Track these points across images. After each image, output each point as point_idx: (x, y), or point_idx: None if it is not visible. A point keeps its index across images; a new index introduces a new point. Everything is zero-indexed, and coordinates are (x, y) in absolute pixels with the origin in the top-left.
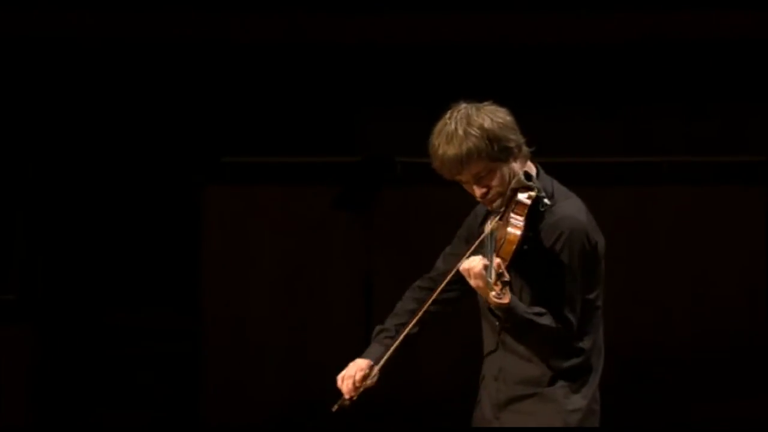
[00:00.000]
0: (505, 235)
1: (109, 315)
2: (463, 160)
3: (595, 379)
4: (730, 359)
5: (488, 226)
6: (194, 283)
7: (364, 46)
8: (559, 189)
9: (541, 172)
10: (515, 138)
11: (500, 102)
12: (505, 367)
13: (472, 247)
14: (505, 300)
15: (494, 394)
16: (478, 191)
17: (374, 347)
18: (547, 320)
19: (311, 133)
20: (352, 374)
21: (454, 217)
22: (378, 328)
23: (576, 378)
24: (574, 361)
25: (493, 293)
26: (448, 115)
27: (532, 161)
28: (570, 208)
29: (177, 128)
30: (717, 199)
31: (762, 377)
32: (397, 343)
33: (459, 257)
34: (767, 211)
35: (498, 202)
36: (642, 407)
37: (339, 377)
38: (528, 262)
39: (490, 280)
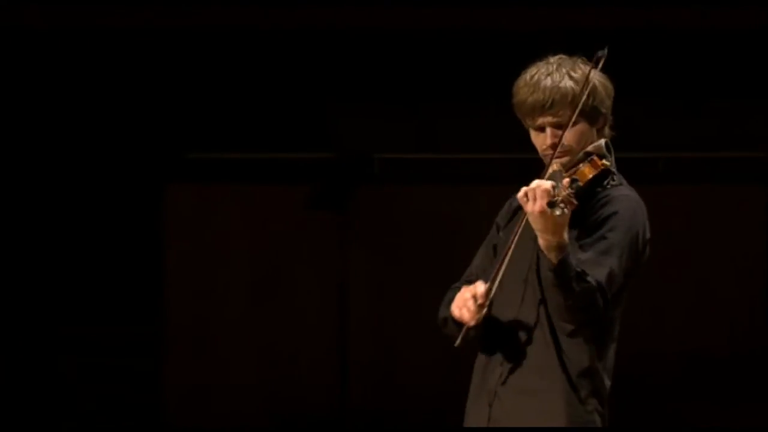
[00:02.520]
0: (578, 169)
1: (63, 326)
2: (555, 100)
3: (605, 386)
4: (730, 363)
5: (551, 168)
6: (156, 289)
7: (338, 34)
8: (622, 179)
9: (613, 153)
10: (609, 106)
11: (485, 93)
12: (517, 355)
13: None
14: (575, 201)
15: (495, 379)
16: (550, 139)
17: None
18: (592, 281)
19: (282, 128)
20: (469, 296)
21: (435, 218)
22: (446, 300)
23: (592, 380)
24: (593, 363)
25: (563, 190)
26: (548, 59)
27: (608, 143)
28: (635, 195)
29: (137, 122)
30: (715, 198)
31: (763, 381)
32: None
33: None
34: None
35: (565, 160)
36: (638, 415)
37: (454, 307)
38: (576, 228)
39: (559, 185)
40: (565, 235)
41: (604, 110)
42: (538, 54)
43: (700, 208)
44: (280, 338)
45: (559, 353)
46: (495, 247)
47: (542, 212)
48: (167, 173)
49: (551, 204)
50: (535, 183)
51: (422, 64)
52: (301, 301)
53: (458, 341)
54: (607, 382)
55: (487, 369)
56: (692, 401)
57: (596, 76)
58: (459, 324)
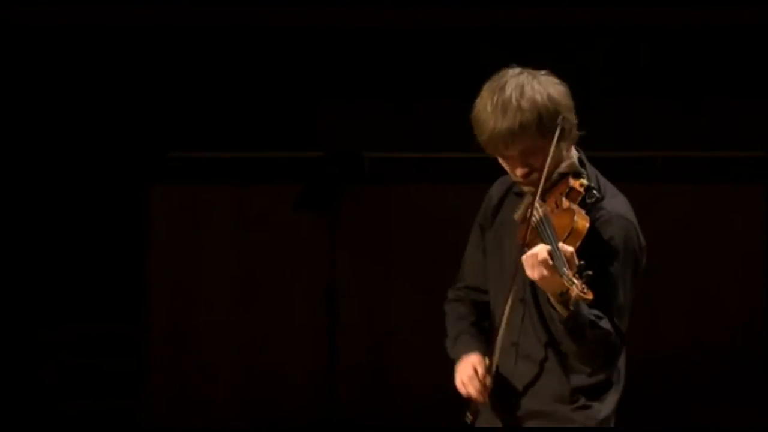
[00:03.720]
0: (572, 227)
1: (44, 327)
2: (516, 134)
3: (616, 396)
4: (729, 367)
5: (537, 211)
6: (139, 291)
7: (327, 31)
8: (605, 183)
9: (587, 162)
10: (570, 117)
11: (479, 91)
12: (520, 377)
13: (524, 233)
14: (590, 296)
15: (506, 406)
16: (520, 170)
17: (466, 343)
18: (606, 325)
19: (270, 126)
20: (473, 373)
21: (427, 218)
22: (453, 334)
23: (599, 396)
24: (599, 379)
25: (576, 288)
26: (501, 82)
27: (576, 148)
28: (620, 206)
29: (119, 121)
30: (714, 197)
31: (763, 381)
32: (501, 329)
33: (486, 252)
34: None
35: (539, 186)
36: (635, 420)
37: (459, 384)
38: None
39: (565, 270)
40: (591, 294)
41: (564, 124)
42: (531, 49)
43: (699, 207)
44: (267, 341)
45: (566, 371)
46: (485, 252)
47: (543, 280)
48: (150, 173)
49: (562, 294)
50: (531, 252)
51: (414, 61)
52: (288, 303)
53: (470, 419)
54: (617, 389)
55: (495, 393)
56: (692, 401)
57: (551, 90)
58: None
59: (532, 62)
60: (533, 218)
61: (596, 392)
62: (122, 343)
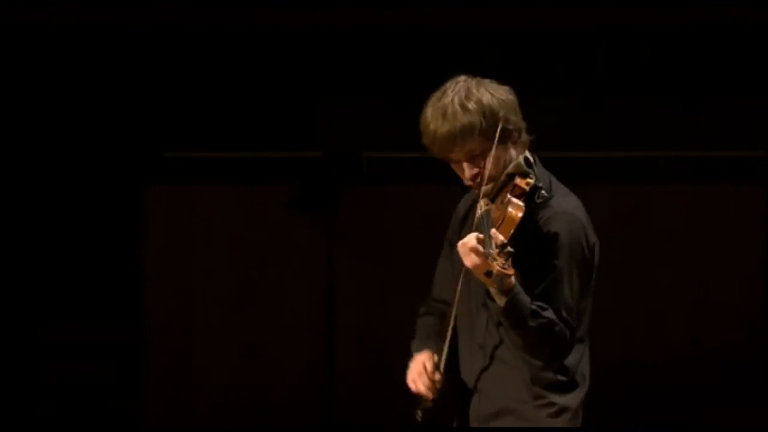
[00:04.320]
0: (505, 215)
1: (39, 328)
2: (457, 137)
3: (581, 394)
4: (730, 366)
5: (479, 210)
6: (134, 292)
7: (326, 30)
8: (557, 184)
9: (539, 164)
10: (515, 120)
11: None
12: (488, 378)
13: (467, 231)
14: (511, 271)
15: (476, 407)
16: (468, 172)
17: (422, 341)
18: (550, 314)
19: (267, 126)
20: (422, 369)
21: (425, 219)
22: (417, 337)
23: (563, 393)
24: (560, 377)
25: (497, 264)
26: (444, 88)
27: (530, 152)
28: (568, 203)
29: (114, 120)
30: (717, 197)
31: (763, 382)
32: (450, 330)
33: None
34: None
35: (488, 187)
36: (636, 421)
37: (409, 381)
38: (519, 259)
39: (491, 251)
40: (512, 280)
41: (511, 126)
42: (530, 49)
43: (702, 207)
44: (264, 344)
45: (531, 370)
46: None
47: (476, 269)
48: (145, 173)
49: (488, 273)
50: (465, 241)
51: (412, 60)
52: (285, 305)
53: (418, 415)
54: (582, 388)
55: (467, 393)
56: (692, 400)
57: (495, 95)
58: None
59: (531, 62)
60: (476, 216)
61: (561, 390)
62: (118, 344)
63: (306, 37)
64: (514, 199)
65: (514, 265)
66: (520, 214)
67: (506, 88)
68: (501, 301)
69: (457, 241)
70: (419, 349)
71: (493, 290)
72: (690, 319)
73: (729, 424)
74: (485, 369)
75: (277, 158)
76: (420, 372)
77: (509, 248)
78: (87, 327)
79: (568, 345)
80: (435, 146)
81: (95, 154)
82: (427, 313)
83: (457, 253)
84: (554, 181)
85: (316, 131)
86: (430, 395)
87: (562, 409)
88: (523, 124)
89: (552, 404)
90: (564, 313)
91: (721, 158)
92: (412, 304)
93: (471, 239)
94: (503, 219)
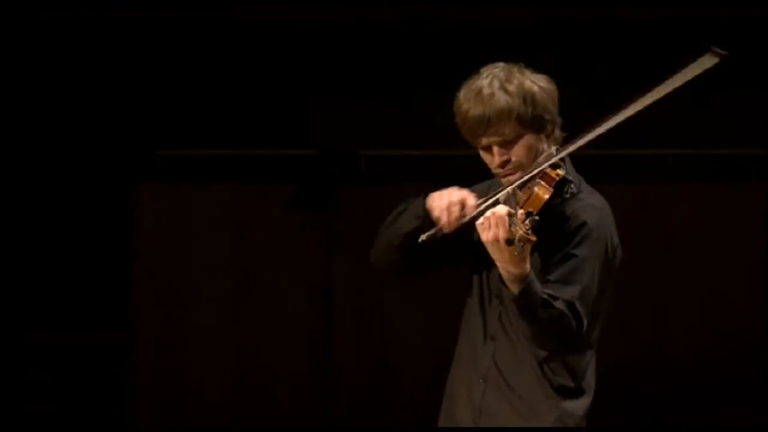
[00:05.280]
0: (531, 194)
1: (23, 333)
2: (492, 119)
3: (586, 403)
4: (731, 366)
5: (507, 191)
6: (124, 295)
7: (321, 22)
8: (586, 185)
9: (569, 163)
10: (553, 111)
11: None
12: (494, 369)
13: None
14: (533, 237)
15: (477, 397)
16: (498, 158)
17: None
18: (561, 305)
19: (261, 123)
20: (457, 201)
21: None
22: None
23: (570, 398)
24: (569, 381)
25: (520, 229)
26: (480, 71)
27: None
28: (598, 200)
29: (104, 116)
30: (727, 197)
31: (763, 384)
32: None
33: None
34: None
35: (516, 176)
36: (636, 421)
37: (436, 207)
38: (542, 248)
39: (515, 219)
40: (527, 266)
41: (548, 116)
42: (532, 42)
43: (710, 208)
44: (260, 349)
45: (541, 367)
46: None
47: (497, 243)
48: (136, 172)
49: (509, 241)
50: (491, 211)
51: (413, 52)
52: (282, 309)
53: (425, 237)
54: (588, 396)
55: (471, 386)
56: (693, 399)
57: (536, 82)
58: (431, 222)
59: (533, 55)
60: (500, 191)
61: (568, 395)
62: (109, 349)
63: (299, 30)
64: (543, 182)
65: (536, 250)
66: (546, 196)
67: (547, 77)
68: (515, 287)
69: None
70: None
71: (507, 276)
72: (698, 330)
73: (729, 423)
74: (493, 359)
75: (272, 156)
76: (453, 203)
77: (535, 216)
78: (75, 331)
79: (575, 337)
80: (466, 127)
81: (84, 152)
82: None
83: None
84: (584, 182)
85: (311, 128)
86: (447, 230)
87: (568, 414)
88: (559, 119)
89: (558, 407)
90: (577, 305)
91: (735, 156)
92: (411, 306)
93: (501, 209)
94: (529, 197)
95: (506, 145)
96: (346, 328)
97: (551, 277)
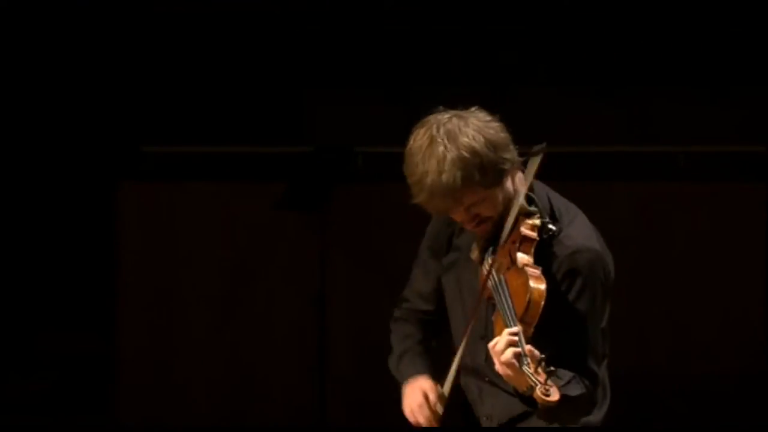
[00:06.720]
0: (528, 293)
1: (4, 338)
2: (457, 194)
3: (603, 410)
4: (730, 366)
5: (486, 265)
6: (108, 299)
7: (315, 14)
8: (558, 203)
9: (535, 183)
10: (510, 156)
11: (483, 79)
12: (491, 402)
13: (480, 300)
14: (555, 397)
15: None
16: (468, 224)
17: (412, 363)
18: (578, 388)
19: (252, 118)
20: (423, 401)
21: (422, 220)
22: (398, 351)
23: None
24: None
25: (539, 388)
26: (427, 131)
27: (520, 169)
28: (580, 233)
29: (87, 112)
30: (743, 197)
31: (763, 383)
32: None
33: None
34: None
35: (489, 227)
36: (637, 422)
37: (407, 411)
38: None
39: (529, 371)
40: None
41: (506, 165)
42: (534, 36)
43: (725, 208)
44: (251, 354)
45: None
46: (437, 278)
47: (511, 378)
48: (121, 169)
49: (528, 377)
50: (499, 351)
51: (411, 45)
52: (274, 312)
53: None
54: (605, 402)
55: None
56: (692, 398)
57: (481, 139)
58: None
59: (534, 50)
60: (489, 281)
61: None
62: (92, 354)
63: (293, 23)
64: (532, 271)
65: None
66: (543, 287)
67: (493, 120)
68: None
69: (445, 253)
70: (414, 374)
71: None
72: (710, 337)
73: (729, 423)
74: (493, 406)
75: (264, 153)
76: (421, 404)
77: (551, 368)
78: (56, 336)
79: (596, 401)
80: (432, 203)
81: (66, 149)
82: (403, 319)
83: (448, 270)
84: (553, 197)
85: (305, 124)
86: (427, 425)
87: (585, 427)
88: (515, 154)
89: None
90: (591, 364)
91: (750, 154)
92: None
93: (508, 352)
94: (528, 304)
95: (473, 208)
96: (341, 334)
97: (553, 344)
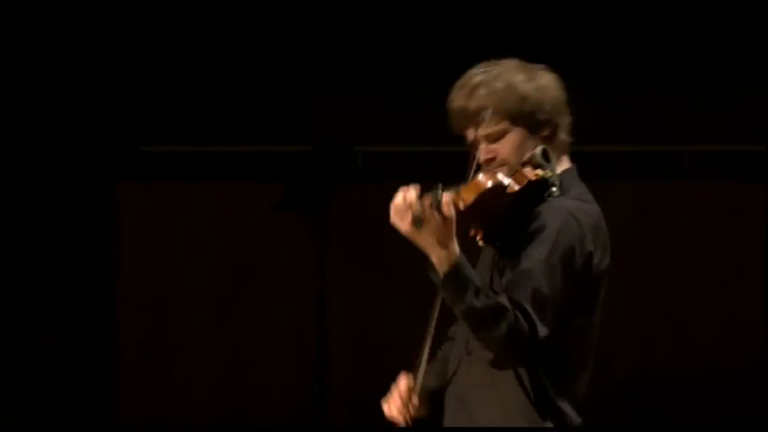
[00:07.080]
0: (476, 179)
1: (4, 338)
2: (472, 111)
3: (567, 421)
4: (730, 366)
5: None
6: (108, 299)
7: (315, 13)
8: (582, 192)
9: (573, 170)
10: (550, 112)
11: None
12: (465, 388)
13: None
14: (432, 215)
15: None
16: (482, 154)
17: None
18: (502, 300)
19: (251, 118)
20: (395, 394)
21: None
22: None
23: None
24: (560, 402)
25: (418, 207)
26: (481, 64)
27: (569, 157)
28: (573, 204)
29: (86, 111)
30: (743, 197)
31: (762, 383)
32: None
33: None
34: None
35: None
36: (636, 421)
37: (384, 408)
38: (507, 253)
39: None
40: (452, 247)
41: (542, 116)
42: (537, 34)
43: (730, 208)
44: (250, 354)
45: (520, 382)
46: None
47: (408, 230)
48: (119, 169)
49: (415, 222)
50: (403, 194)
51: (411, 45)
52: (273, 312)
53: None
54: (572, 417)
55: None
56: (692, 397)
57: (534, 80)
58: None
59: (537, 47)
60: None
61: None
62: (91, 354)
63: (293, 23)
64: (499, 173)
65: (503, 256)
66: (489, 183)
67: (554, 78)
68: (442, 271)
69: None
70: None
71: (434, 260)
72: (712, 338)
73: (729, 423)
74: (469, 381)
75: (264, 153)
76: (393, 396)
77: (439, 191)
78: (56, 336)
79: (527, 342)
80: (450, 119)
81: (65, 149)
82: (450, 338)
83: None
84: (583, 189)
85: (305, 123)
86: (401, 420)
87: (583, 427)
88: (563, 121)
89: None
90: (528, 307)
91: (755, 153)
92: (409, 310)
93: (410, 192)
94: (470, 183)
95: (492, 141)
96: (341, 335)
97: (503, 281)
